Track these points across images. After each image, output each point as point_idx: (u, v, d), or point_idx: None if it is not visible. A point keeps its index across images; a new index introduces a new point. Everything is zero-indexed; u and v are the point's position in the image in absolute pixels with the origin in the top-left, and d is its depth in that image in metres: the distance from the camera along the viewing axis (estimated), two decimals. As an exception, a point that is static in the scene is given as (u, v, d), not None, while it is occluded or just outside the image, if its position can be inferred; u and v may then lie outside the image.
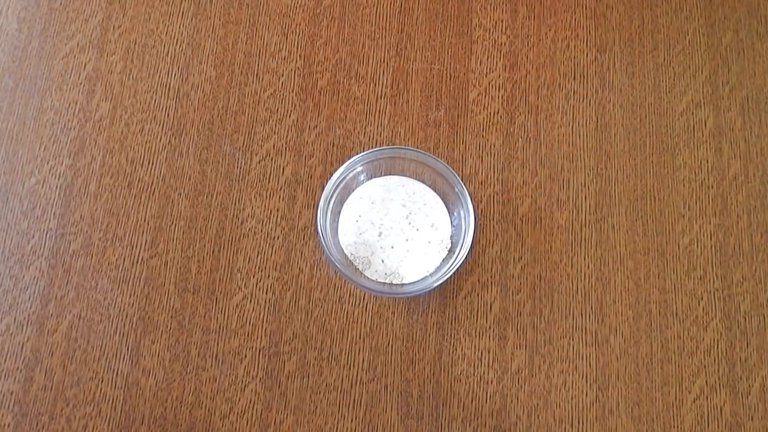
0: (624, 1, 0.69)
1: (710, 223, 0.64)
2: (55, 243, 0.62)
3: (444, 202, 0.61)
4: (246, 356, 0.60)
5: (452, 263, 0.56)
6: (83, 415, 0.58)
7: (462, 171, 0.64)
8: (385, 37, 0.68)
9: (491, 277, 0.62)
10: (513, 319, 0.61)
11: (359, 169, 0.59)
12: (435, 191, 0.61)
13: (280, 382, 0.59)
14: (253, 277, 0.61)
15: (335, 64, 0.67)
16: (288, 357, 0.60)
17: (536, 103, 0.66)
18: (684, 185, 0.65)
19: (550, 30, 0.69)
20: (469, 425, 0.58)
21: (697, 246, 0.63)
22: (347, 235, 0.60)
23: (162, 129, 0.66)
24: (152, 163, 0.65)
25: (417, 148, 0.64)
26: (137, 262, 0.62)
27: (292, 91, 0.67)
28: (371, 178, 0.61)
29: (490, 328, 0.60)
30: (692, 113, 0.67)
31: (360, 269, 0.59)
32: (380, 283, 0.58)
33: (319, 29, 0.69)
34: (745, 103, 0.67)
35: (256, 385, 0.59)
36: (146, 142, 0.65)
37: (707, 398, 0.59)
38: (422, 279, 0.58)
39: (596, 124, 0.66)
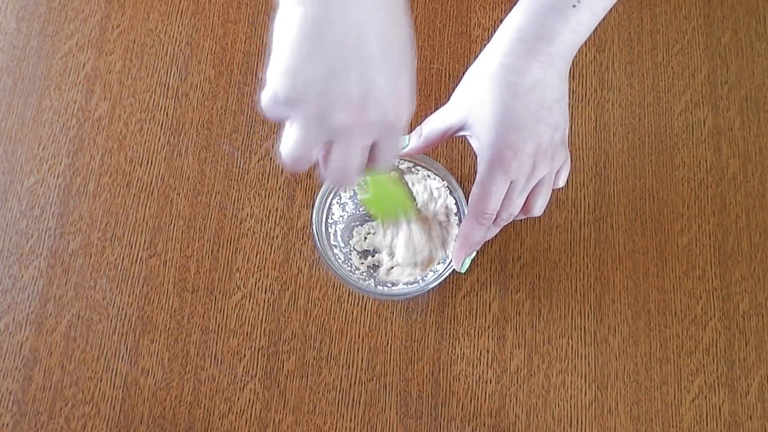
0: (623, 0, 0.69)
1: (709, 222, 0.64)
2: (53, 242, 0.62)
3: (442, 203, 0.61)
4: (245, 356, 0.60)
5: (450, 263, 0.56)
6: (82, 414, 0.58)
7: (461, 171, 0.64)
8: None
9: (490, 276, 0.62)
10: (512, 318, 0.61)
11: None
12: (433, 190, 0.61)
13: (279, 382, 0.59)
14: (252, 276, 0.61)
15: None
16: (287, 356, 0.60)
17: (535, 103, 0.66)
18: (683, 185, 0.65)
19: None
20: (468, 425, 0.58)
21: (696, 245, 0.63)
22: (345, 236, 0.60)
23: (161, 128, 0.65)
24: (151, 163, 0.65)
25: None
26: (136, 262, 0.62)
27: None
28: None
29: (488, 327, 0.60)
30: (691, 113, 0.67)
31: (361, 267, 0.59)
32: (378, 285, 0.58)
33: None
34: (744, 103, 0.67)
35: (255, 384, 0.59)
36: (145, 142, 0.65)
37: (706, 397, 0.59)
38: (421, 279, 0.58)
39: (595, 124, 0.66)
